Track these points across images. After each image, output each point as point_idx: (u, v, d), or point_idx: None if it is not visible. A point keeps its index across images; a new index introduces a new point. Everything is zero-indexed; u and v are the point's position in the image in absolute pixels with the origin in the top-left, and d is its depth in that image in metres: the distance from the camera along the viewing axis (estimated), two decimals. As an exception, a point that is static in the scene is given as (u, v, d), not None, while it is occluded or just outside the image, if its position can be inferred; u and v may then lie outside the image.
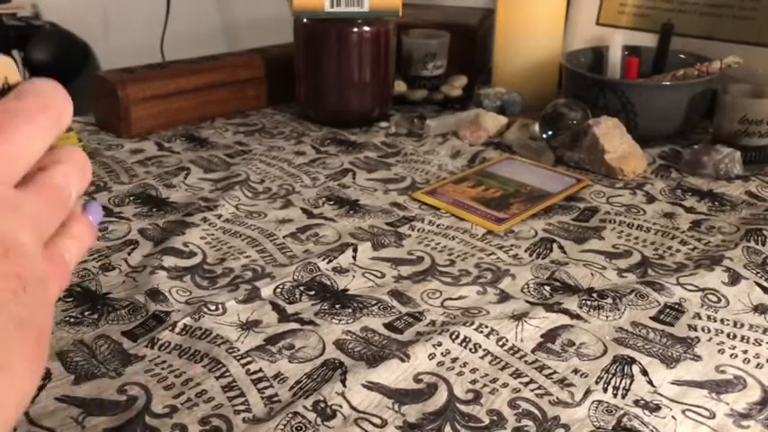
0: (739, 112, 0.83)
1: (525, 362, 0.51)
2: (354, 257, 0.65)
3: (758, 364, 0.51)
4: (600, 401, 0.47)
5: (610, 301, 0.58)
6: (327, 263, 0.64)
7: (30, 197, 0.28)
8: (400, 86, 1.06)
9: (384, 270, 0.64)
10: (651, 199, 0.78)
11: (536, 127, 0.91)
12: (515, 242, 0.69)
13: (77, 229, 0.31)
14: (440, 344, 0.52)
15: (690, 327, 0.56)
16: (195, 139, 0.95)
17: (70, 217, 0.31)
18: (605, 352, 0.52)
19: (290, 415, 0.46)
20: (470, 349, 0.52)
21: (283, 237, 0.69)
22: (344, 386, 0.48)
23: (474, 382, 0.49)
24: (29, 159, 0.28)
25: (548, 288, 0.61)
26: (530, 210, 0.75)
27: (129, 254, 0.66)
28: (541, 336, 0.54)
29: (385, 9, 0.94)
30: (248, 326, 0.55)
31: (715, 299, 0.59)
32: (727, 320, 0.56)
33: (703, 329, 0.55)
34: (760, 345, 0.54)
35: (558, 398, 0.48)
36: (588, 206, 0.76)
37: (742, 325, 0.56)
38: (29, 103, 0.28)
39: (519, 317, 0.56)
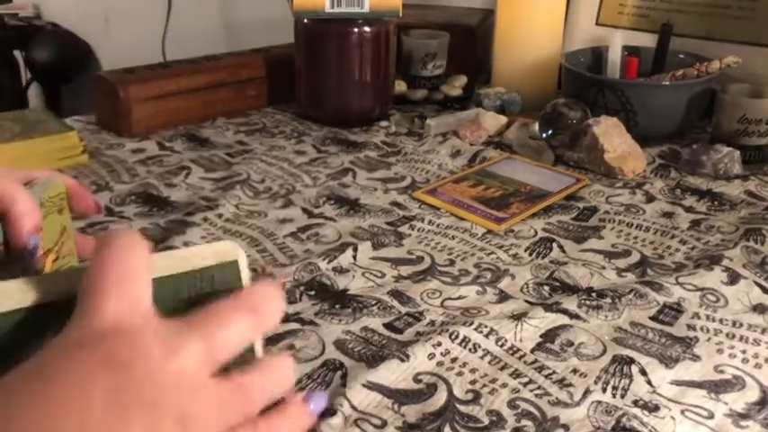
0: (738, 112, 0.83)
1: (524, 362, 0.51)
2: (354, 257, 0.66)
3: (757, 364, 0.52)
4: (599, 402, 0.48)
5: (609, 300, 0.59)
6: (328, 263, 0.64)
7: (221, 387, 0.31)
8: (400, 86, 1.06)
9: (384, 270, 0.64)
10: (650, 198, 0.78)
11: (536, 126, 0.91)
12: (515, 242, 0.69)
13: (294, 411, 0.35)
14: (439, 344, 0.52)
15: (689, 326, 0.56)
16: (196, 138, 0.95)
17: (289, 401, 0.35)
18: (604, 352, 0.53)
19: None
20: (470, 349, 0.52)
21: (284, 236, 0.70)
22: (344, 386, 0.48)
23: (473, 382, 0.49)
24: (226, 354, 0.32)
25: (547, 288, 0.61)
26: (529, 209, 0.75)
27: (130, 254, 0.66)
28: (541, 336, 0.54)
29: (385, 9, 0.94)
30: (249, 326, 0.56)
31: (714, 298, 0.59)
32: (726, 320, 0.57)
33: (702, 329, 0.55)
34: (759, 344, 0.54)
35: (557, 398, 0.48)
36: (588, 206, 0.76)
37: (741, 325, 0.56)
38: (241, 302, 0.33)
39: (518, 317, 0.56)
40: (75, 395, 0.28)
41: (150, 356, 0.29)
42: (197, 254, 0.35)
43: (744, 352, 0.53)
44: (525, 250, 0.67)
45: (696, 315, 0.57)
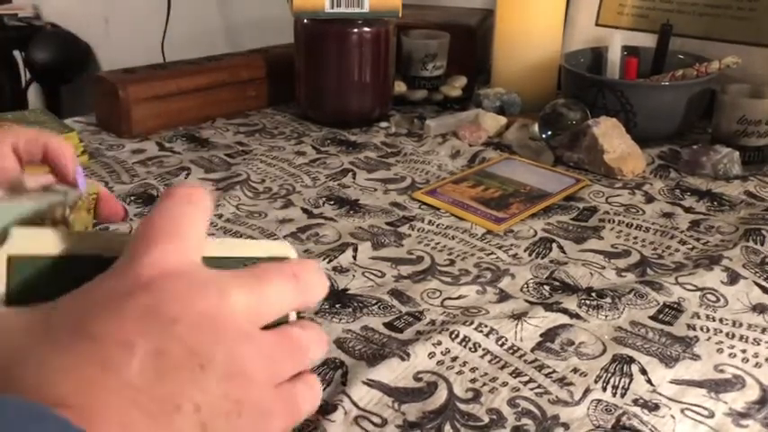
0: (738, 113, 0.83)
1: (525, 361, 0.51)
2: (354, 257, 0.66)
3: (757, 364, 0.52)
4: (599, 400, 0.48)
5: (609, 300, 0.59)
6: (328, 262, 0.64)
7: (268, 337, 0.31)
8: (400, 87, 1.06)
9: (384, 270, 0.64)
10: (650, 199, 0.78)
11: (535, 127, 0.91)
12: (515, 242, 0.69)
13: (311, 380, 0.34)
14: (440, 343, 0.52)
15: (689, 326, 0.56)
16: (196, 139, 0.95)
17: (306, 372, 0.33)
18: (604, 351, 0.53)
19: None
20: (470, 348, 0.52)
21: (284, 236, 0.70)
22: (345, 384, 0.48)
23: (474, 380, 0.49)
24: (270, 312, 0.32)
25: (547, 287, 0.61)
26: (529, 209, 0.75)
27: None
28: (541, 335, 0.54)
29: (385, 10, 0.94)
30: (249, 325, 0.56)
31: (714, 298, 0.59)
32: (726, 320, 0.57)
33: (702, 329, 0.56)
34: (759, 344, 0.54)
35: (557, 397, 0.48)
36: (587, 206, 0.76)
37: (741, 324, 0.56)
38: (286, 267, 0.33)
39: (518, 316, 0.56)
40: (118, 358, 0.27)
41: (197, 304, 0.29)
42: (250, 245, 0.35)
43: (744, 351, 0.53)
44: (525, 250, 0.68)
45: (696, 315, 0.57)
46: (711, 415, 0.47)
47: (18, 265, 0.31)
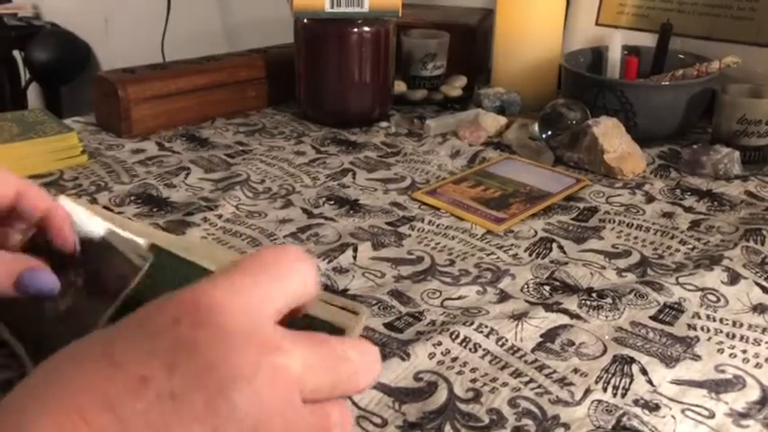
0: (738, 112, 0.83)
1: (525, 361, 0.51)
2: (354, 257, 0.66)
3: (757, 364, 0.52)
4: (599, 401, 0.48)
5: (609, 300, 0.59)
6: (328, 263, 0.64)
7: (301, 340, 0.29)
8: (400, 86, 1.06)
9: (384, 270, 0.64)
10: (650, 199, 0.78)
11: (535, 127, 0.91)
12: (515, 242, 0.69)
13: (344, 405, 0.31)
14: (440, 343, 0.52)
15: (689, 326, 0.56)
16: (196, 139, 0.95)
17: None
18: (605, 351, 0.53)
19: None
20: (470, 349, 0.52)
21: (284, 236, 0.70)
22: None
23: (474, 381, 0.49)
24: (287, 300, 0.30)
25: (547, 288, 0.61)
26: (529, 210, 0.75)
27: (129, 254, 0.66)
28: (541, 335, 0.54)
29: (385, 9, 0.94)
30: (249, 325, 0.55)
31: (714, 298, 0.59)
32: (727, 320, 0.57)
33: (703, 329, 0.55)
34: (759, 344, 0.54)
35: (557, 397, 0.48)
36: (587, 206, 0.76)
37: (741, 324, 0.56)
38: (291, 253, 0.31)
39: (519, 316, 0.56)
40: (132, 393, 0.25)
41: (242, 355, 0.26)
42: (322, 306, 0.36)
43: (744, 352, 0.53)
44: (525, 250, 0.67)
45: (696, 315, 0.57)
46: (712, 415, 0.47)
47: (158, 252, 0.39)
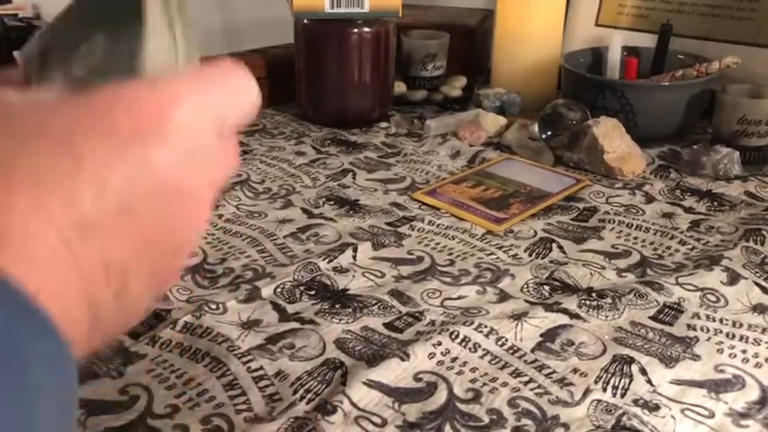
0: (738, 113, 0.83)
1: (525, 361, 0.51)
2: (354, 257, 0.66)
3: (757, 364, 0.52)
4: (599, 401, 0.48)
5: (609, 300, 0.59)
6: (328, 263, 0.64)
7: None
8: (400, 87, 1.06)
9: (384, 270, 0.64)
10: (650, 199, 0.78)
11: (535, 127, 0.91)
12: (515, 242, 0.69)
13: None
14: (440, 343, 0.52)
15: (689, 326, 0.56)
16: (196, 139, 0.95)
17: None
18: (604, 351, 0.53)
19: (292, 415, 0.46)
20: (470, 349, 0.52)
21: (284, 237, 0.70)
22: (345, 385, 0.48)
23: (474, 381, 0.49)
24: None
25: (547, 288, 0.61)
26: (529, 210, 0.75)
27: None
28: (541, 335, 0.54)
29: (385, 10, 0.94)
30: (249, 325, 0.56)
31: (714, 298, 0.59)
32: (726, 320, 0.57)
33: (702, 329, 0.55)
34: (759, 344, 0.54)
35: (557, 397, 0.48)
36: (587, 206, 0.76)
37: (741, 325, 0.56)
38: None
39: (518, 316, 0.56)
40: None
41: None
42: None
43: (744, 352, 0.53)
44: (525, 251, 0.68)
45: (696, 315, 0.57)
46: (711, 415, 0.47)
47: None
